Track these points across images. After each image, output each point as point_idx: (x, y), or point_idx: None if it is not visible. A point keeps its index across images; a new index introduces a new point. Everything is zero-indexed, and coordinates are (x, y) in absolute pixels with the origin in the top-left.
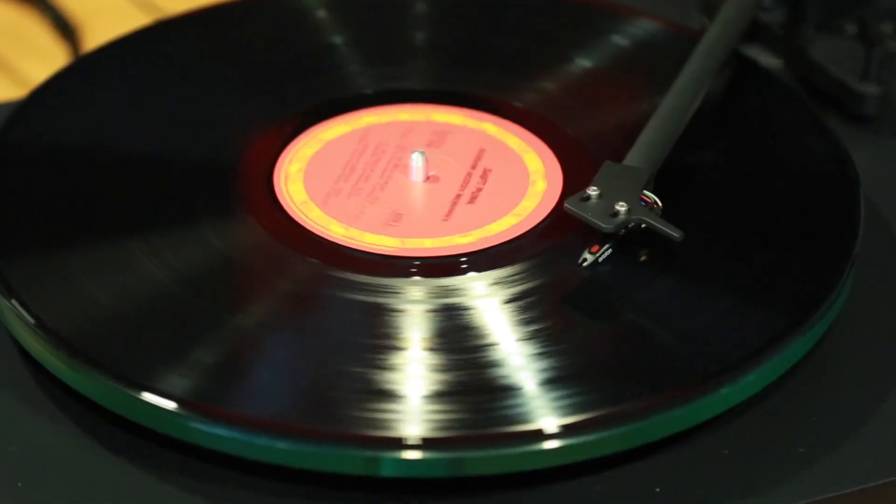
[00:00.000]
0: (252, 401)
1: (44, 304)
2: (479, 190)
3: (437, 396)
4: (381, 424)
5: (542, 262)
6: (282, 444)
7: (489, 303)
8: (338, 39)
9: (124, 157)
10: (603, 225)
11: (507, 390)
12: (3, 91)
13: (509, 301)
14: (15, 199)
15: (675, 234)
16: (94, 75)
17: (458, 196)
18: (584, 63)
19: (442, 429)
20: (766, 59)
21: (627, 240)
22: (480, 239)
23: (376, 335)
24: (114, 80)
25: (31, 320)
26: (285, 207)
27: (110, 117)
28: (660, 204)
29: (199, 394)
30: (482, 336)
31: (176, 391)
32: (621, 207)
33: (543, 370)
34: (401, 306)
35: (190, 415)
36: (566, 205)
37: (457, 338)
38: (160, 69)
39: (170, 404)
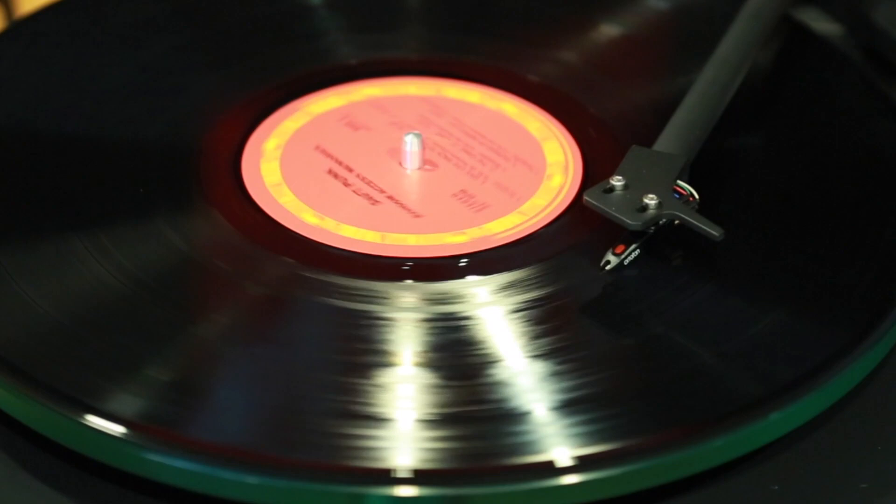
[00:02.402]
0: (215, 426)
1: None
2: (484, 179)
3: (433, 422)
4: (367, 454)
5: (557, 264)
6: (250, 478)
7: (494, 312)
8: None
9: (65, 137)
10: (629, 221)
11: (515, 415)
12: None
13: (518, 310)
14: None
15: (714, 232)
16: (29, 43)
17: (459, 186)
18: (609, 29)
19: (438, 459)
20: (823, 25)
21: (658, 239)
22: (485, 237)
23: (362, 349)
24: (52, 48)
25: None
26: (255, 198)
27: (48, 92)
28: (696, 196)
29: (152, 417)
30: (486, 351)
31: (125, 413)
32: (651, 201)
33: (558, 392)
34: (390, 315)
35: (142, 441)
36: (586, 197)
37: (456, 353)
38: (107, 35)
39: (117, 429)
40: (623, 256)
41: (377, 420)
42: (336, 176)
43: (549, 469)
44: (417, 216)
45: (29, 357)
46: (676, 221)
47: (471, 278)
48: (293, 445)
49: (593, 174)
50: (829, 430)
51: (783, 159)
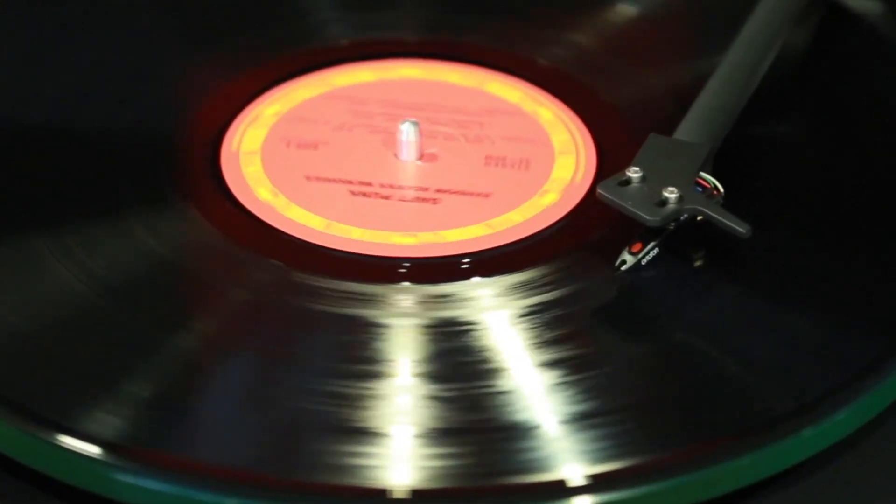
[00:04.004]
0: (198, 444)
1: None
2: (487, 172)
3: (433, 437)
4: (362, 472)
5: (568, 264)
6: (234, 500)
7: (499, 317)
8: None
9: (25, 129)
10: (647, 216)
11: (522, 429)
12: None
13: (525, 315)
14: None
15: (740, 229)
16: None
17: (461, 179)
18: (624, 8)
19: (438, 477)
20: (860, 2)
21: (678, 236)
22: (487, 235)
23: (356, 358)
24: (12, 29)
25: None
26: (237, 194)
27: (8, 78)
28: (721, 190)
29: (130, 436)
30: (490, 360)
31: (101, 433)
32: (671, 194)
33: (569, 404)
34: (386, 321)
35: (119, 463)
36: (599, 190)
37: (458, 362)
38: (73, 15)
39: (93, 449)
40: (640, 256)
41: (373, 435)
42: (325, 169)
43: (560, 488)
44: (415, 213)
45: None
46: (699, 217)
47: (474, 280)
48: (282, 464)
49: (607, 165)
50: (866, 447)
51: (815, 149)
